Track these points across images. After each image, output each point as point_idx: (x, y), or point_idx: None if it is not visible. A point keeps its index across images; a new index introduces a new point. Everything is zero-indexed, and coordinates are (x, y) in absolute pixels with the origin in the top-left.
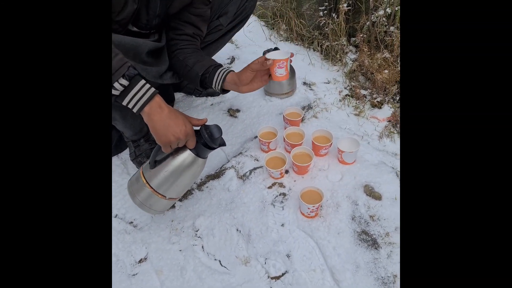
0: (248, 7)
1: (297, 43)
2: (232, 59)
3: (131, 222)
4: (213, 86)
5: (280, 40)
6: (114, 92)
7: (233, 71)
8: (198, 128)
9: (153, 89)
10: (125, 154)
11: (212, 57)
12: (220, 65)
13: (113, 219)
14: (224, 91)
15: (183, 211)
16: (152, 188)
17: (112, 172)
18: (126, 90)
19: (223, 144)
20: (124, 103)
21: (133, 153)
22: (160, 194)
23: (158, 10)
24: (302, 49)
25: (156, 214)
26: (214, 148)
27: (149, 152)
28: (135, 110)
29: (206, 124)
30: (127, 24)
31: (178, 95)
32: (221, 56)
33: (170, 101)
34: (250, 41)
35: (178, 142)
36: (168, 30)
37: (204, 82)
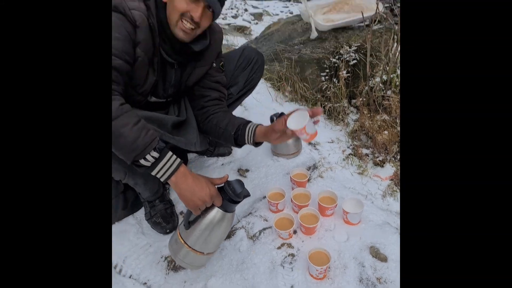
0: (256, 77)
1: (301, 103)
2: None
3: (145, 283)
4: (246, 141)
5: (285, 101)
6: (145, 163)
7: (261, 124)
8: (221, 185)
9: (178, 160)
10: (140, 213)
11: None
12: (249, 122)
13: (127, 279)
14: (257, 144)
15: (196, 272)
16: (190, 246)
17: (127, 232)
18: (156, 161)
19: (247, 195)
20: (153, 173)
21: (148, 213)
22: (197, 251)
23: (173, 81)
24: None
25: (196, 269)
26: (239, 202)
27: (163, 212)
28: (162, 179)
29: (228, 180)
30: (148, 94)
31: (190, 155)
32: None
33: (184, 162)
34: (257, 103)
35: (205, 204)
36: (196, 99)
37: (238, 140)
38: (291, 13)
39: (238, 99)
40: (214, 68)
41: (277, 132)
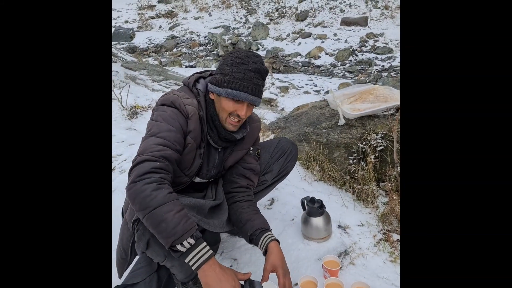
0: (289, 166)
1: (329, 183)
2: (272, 201)
3: None
4: (259, 247)
5: (314, 180)
6: (181, 248)
7: (276, 240)
8: (242, 282)
9: (211, 251)
10: None
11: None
12: (267, 230)
13: None
14: (267, 252)
15: None
16: None
17: None
18: (191, 248)
19: None
20: (187, 260)
21: None
22: None
23: (216, 163)
24: (335, 189)
25: None
26: None
27: None
28: (194, 267)
29: (250, 279)
30: (194, 176)
31: (223, 235)
32: (262, 200)
33: (216, 241)
34: (287, 181)
35: None
36: (226, 183)
37: (252, 241)
38: (315, 85)
39: (271, 185)
40: (251, 154)
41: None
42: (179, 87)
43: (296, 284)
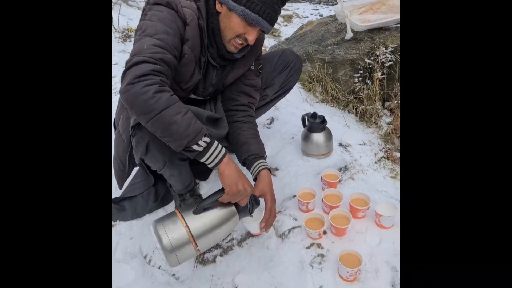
0: (292, 80)
1: (332, 105)
2: (272, 120)
3: (174, 274)
4: (250, 172)
5: (316, 102)
6: (198, 148)
7: (268, 169)
8: None
9: (224, 148)
10: (170, 207)
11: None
12: (261, 157)
13: (156, 269)
14: (256, 179)
15: (223, 267)
16: (191, 233)
17: None
18: (208, 146)
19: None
20: (204, 159)
21: (179, 206)
22: (194, 241)
23: (213, 81)
24: (338, 111)
25: (173, 264)
26: (250, 214)
27: (194, 205)
28: (212, 165)
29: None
30: (191, 92)
31: None
32: (262, 117)
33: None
34: (288, 103)
35: (242, 194)
36: (225, 100)
37: (244, 164)
38: (321, 15)
39: (272, 101)
40: (252, 70)
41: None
42: None
43: (294, 196)
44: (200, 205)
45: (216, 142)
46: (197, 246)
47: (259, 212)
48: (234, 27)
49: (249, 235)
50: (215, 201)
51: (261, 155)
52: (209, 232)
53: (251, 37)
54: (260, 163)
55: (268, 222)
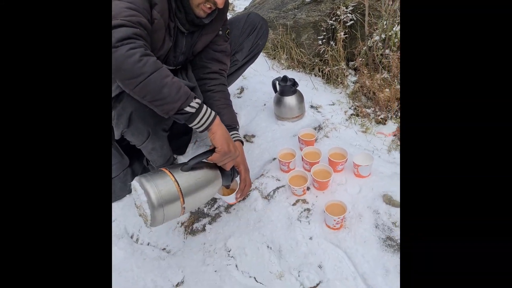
0: (261, 44)
1: (298, 70)
2: (241, 89)
3: (164, 249)
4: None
5: (282, 69)
6: (190, 110)
7: (240, 141)
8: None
9: (213, 111)
10: None
11: (228, 87)
12: (233, 128)
13: (145, 246)
14: None
15: (213, 234)
16: (180, 188)
17: None
18: (199, 108)
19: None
20: (196, 121)
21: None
22: (182, 197)
23: (184, 48)
24: (304, 75)
25: (156, 223)
26: (231, 180)
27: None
28: (204, 126)
29: None
30: (163, 60)
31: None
32: (232, 87)
33: (189, 130)
34: (255, 72)
35: (232, 155)
36: (196, 69)
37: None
38: None
39: (242, 66)
40: (220, 35)
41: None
42: None
43: (274, 159)
44: (189, 163)
45: (204, 105)
46: (184, 203)
47: (235, 183)
48: None
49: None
50: (202, 161)
51: (234, 126)
52: (195, 191)
53: (220, 0)
54: (232, 134)
55: (243, 191)
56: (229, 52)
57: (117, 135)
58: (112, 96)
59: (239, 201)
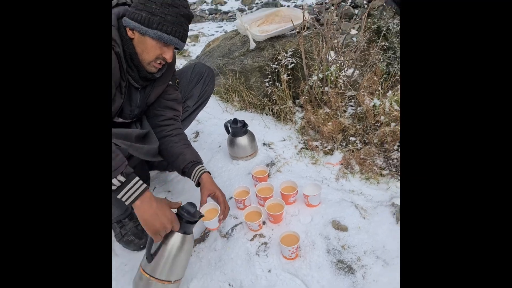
0: (209, 90)
1: (250, 110)
2: (197, 133)
3: None
4: (191, 179)
5: (236, 110)
6: (112, 187)
7: (208, 172)
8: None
9: (144, 186)
10: None
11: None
12: (198, 163)
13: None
14: (199, 184)
15: None
16: (157, 278)
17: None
18: (122, 185)
19: (202, 215)
20: (119, 196)
21: (119, 233)
22: (165, 281)
23: (138, 102)
24: (256, 115)
25: None
26: (196, 222)
27: (134, 229)
28: (127, 202)
29: (182, 205)
30: (115, 116)
31: (152, 173)
32: (187, 132)
33: (147, 178)
34: (209, 115)
35: (165, 230)
36: (151, 117)
37: (185, 173)
38: (226, 31)
39: (193, 112)
40: (171, 85)
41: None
42: None
43: (231, 198)
44: (147, 255)
45: (134, 180)
46: (170, 281)
47: (214, 208)
48: (150, 50)
49: (195, 242)
50: (153, 243)
51: (198, 161)
52: (171, 264)
53: (168, 56)
54: (199, 168)
55: (224, 214)
56: (180, 99)
57: None
58: None
59: (220, 225)
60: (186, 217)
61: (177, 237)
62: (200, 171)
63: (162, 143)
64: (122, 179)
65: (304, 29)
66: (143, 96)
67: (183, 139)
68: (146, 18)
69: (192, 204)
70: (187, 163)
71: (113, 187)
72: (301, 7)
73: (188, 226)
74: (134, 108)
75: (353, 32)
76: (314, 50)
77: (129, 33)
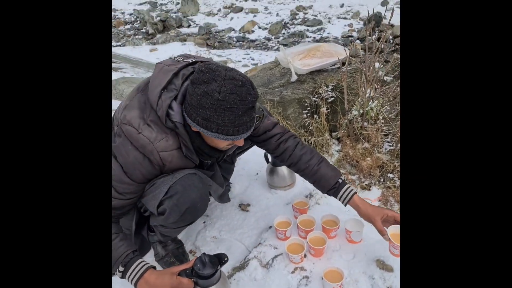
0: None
1: None
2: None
3: None
4: (339, 199)
5: None
6: (118, 274)
7: (356, 193)
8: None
9: (142, 270)
10: (148, 257)
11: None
12: (345, 183)
13: None
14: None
15: None
16: None
17: None
18: (124, 272)
19: (223, 261)
20: (126, 280)
21: (160, 254)
22: None
23: (221, 158)
24: None
25: None
26: (214, 274)
27: (175, 251)
28: (132, 285)
29: (195, 261)
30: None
31: None
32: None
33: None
34: None
35: None
36: (270, 148)
37: (329, 193)
38: (253, 59)
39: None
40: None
41: (378, 220)
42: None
43: (270, 227)
44: None
45: (134, 265)
46: None
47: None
48: (218, 143)
49: (235, 270)
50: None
51: (343, 181)
52: None
53: (239, 143)
54: (345, 189)
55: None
56: (275, 122)
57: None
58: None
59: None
60: (200, 273)
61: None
62: (350, 193)
63: (295, 164)
64: (122, 269)
65: (345, 65)
66: (224, 153)
67: (312, 153)
68: (203, 124)
69: (206, 256)
70: (333, 185)
71: (119, 275)
72: (327, 40)
73: (206, 281)
74: (222, 157)
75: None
76: (358, 85)
77: (194, 128)
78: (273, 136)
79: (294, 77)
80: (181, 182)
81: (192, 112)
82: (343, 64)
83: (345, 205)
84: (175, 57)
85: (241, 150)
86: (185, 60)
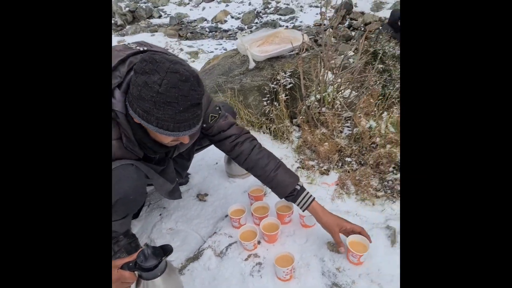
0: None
1: (248, 128)
2: None
3: None
4: (297, 205)
5: None
6: None
7: (315, 199)
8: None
9: None
10: None
11: None
12: (303, 189)
13: None
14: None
15: None
16: None
17: None
18: None
19: (168, 251)
20: None
21: (112, 250)
22: None
23: (171, 154)
24: (254, 132)
25: None
26: (157, 266)
27: (128, 246)
28: None
29: (138, 254)
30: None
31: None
32: None
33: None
34: None
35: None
36: (225, 150)
37: (288, 198)
38: (225, 49)
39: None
40: (207, 125)
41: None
42: None
43: (226, 216)
44: None
45: None
46: None
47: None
48: (162, 138)
49: (189, 261)
50: None
51: (301, 187)
52: None
53: (184, 140)
54: (306, 196)
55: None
56: (232, 122)
57: None
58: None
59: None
60: (142, 265)
61: (144, 284)
62: (309, 200)
63: (251, 168)
64: None
65: (303, 51)
66: (175, 148)
67: (269, 157)
68: (143, 116)
69: (149, 248)
70: (291, 191)
71: None
72: (299, 28)
73: (150, 274)
74: (174, 152)
75: (350, 53)
76: (312, 71)
77: (136, 119)
78: (228, 137)
79: (252, 64)
80: (114, 172)
81: (133, 103)
82: (301, 50)
83: (304, 211)
84: (128, 43)
85: (200, 146)
86: (137, 47)
